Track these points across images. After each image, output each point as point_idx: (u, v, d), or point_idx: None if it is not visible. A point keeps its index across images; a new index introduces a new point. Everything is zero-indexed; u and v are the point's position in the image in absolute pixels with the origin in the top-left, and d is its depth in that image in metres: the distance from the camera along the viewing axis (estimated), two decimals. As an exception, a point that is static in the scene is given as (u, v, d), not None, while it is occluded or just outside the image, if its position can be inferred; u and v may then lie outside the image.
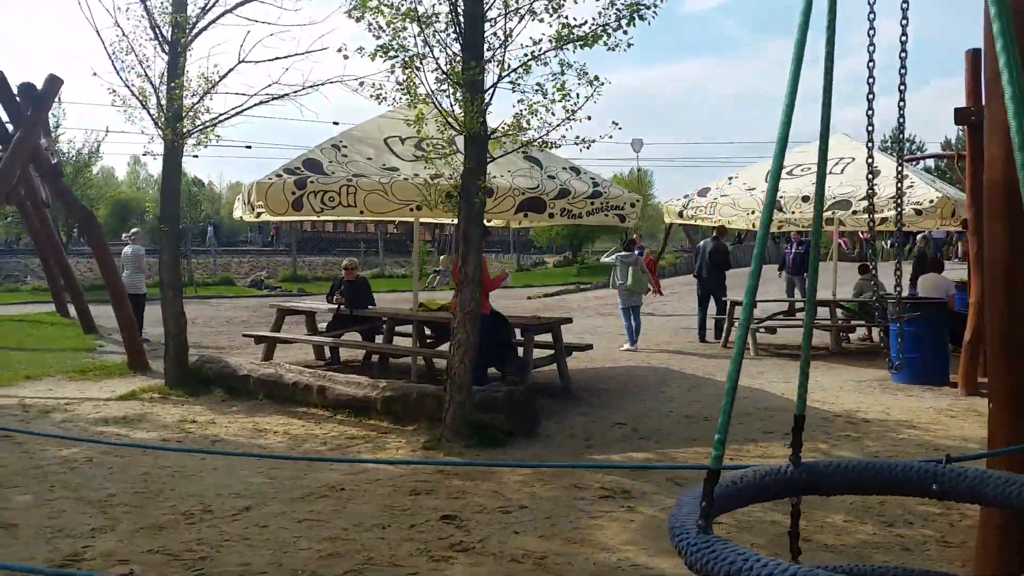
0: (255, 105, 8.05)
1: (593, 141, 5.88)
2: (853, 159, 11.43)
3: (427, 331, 9.68)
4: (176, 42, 8.15)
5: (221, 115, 8.17)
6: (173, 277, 8.37)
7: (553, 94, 5.85)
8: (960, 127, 8.43)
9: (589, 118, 5.90)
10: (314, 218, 7.96)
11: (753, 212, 11.29)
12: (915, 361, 9.01)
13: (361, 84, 6.08)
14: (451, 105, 6.08)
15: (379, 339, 10.00)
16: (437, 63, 5.98)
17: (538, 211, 7.66)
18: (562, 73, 5.90)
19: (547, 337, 8.62)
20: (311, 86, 7.87)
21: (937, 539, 4.19)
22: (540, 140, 6.04)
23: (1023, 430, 2.44)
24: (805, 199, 10.68)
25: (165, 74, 8.12)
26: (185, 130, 7.99)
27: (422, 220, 8.85)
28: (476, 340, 6.21)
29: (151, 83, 8.13)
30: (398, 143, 8.04)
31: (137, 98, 8.05)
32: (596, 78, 5.81)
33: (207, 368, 8.59)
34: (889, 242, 33.73)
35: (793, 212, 10.89)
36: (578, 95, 5.81)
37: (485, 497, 4.93)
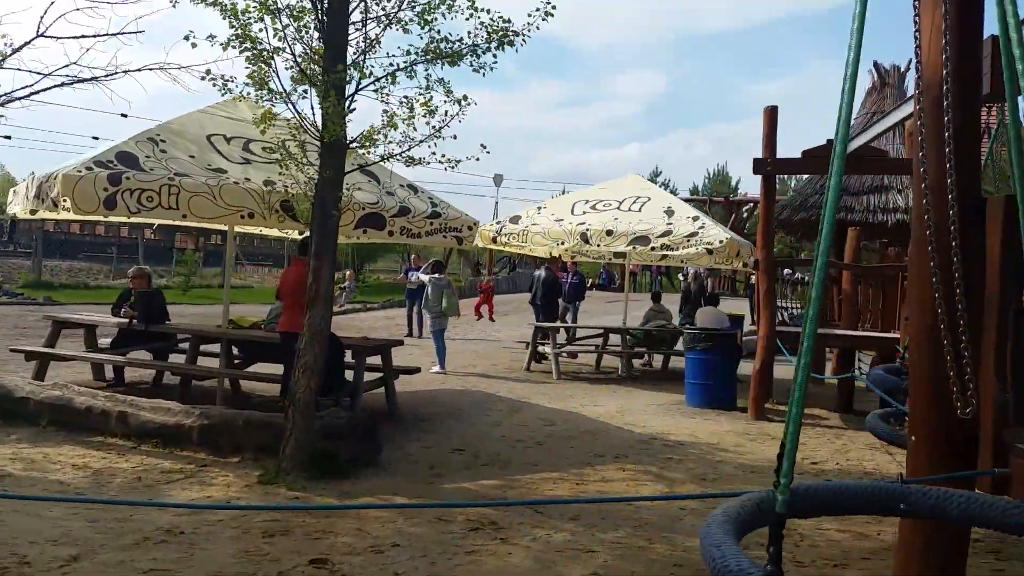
0: (56, 86, 7.05)
1: (459, 161, 5.82)
2: (649, 198, 12.31)
3: (234, 351, 8.96)
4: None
5: (8, 92, 7.05)
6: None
7: (418, 109, 5.69)
8: (757, 174, 9.39)
9: (455, 137, 5.81)
10: (127, 220, 7.11)
11: (562, 243, 11.74)
12: (708, 387, 9.82)
13: (208, 74, 5.54)
14: (309, 109, 5.73)
15: (173, 359, 9.11)
16: (296, 61, 5.61)
17: (378, 228, 7.40)
18: (428, 88, 5.77)
19: (373, 360, 8.33)
20: (129, 71, 7.02)
21: (790, 559, 4.55)
22: (404, 155, 5.83)
23: (943, 463, 2.72)
24: (609, 233, 11.30)
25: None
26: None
27: (183, 226, 8.20)
28: (322, 363, 5.85)
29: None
30: (223, 142, 7.41)
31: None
32: (465, 97, 5.74)
33: (-31, 390, 7.31)
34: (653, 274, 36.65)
35: (599, 244, 11.47)
36: (446, 112, 5.70)
37: (349, 536, 4.61)
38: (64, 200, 6.15)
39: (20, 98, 7.09)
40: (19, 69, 7.18)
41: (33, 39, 7.14)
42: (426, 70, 5.77)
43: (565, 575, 4.16)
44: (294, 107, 5.69)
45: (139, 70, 7.14)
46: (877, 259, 11.92)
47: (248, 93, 5.76)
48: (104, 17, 7.69)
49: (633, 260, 16.07)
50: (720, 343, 9.91)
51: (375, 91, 5.79)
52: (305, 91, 5.72)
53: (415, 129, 5.80)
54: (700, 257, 11.11)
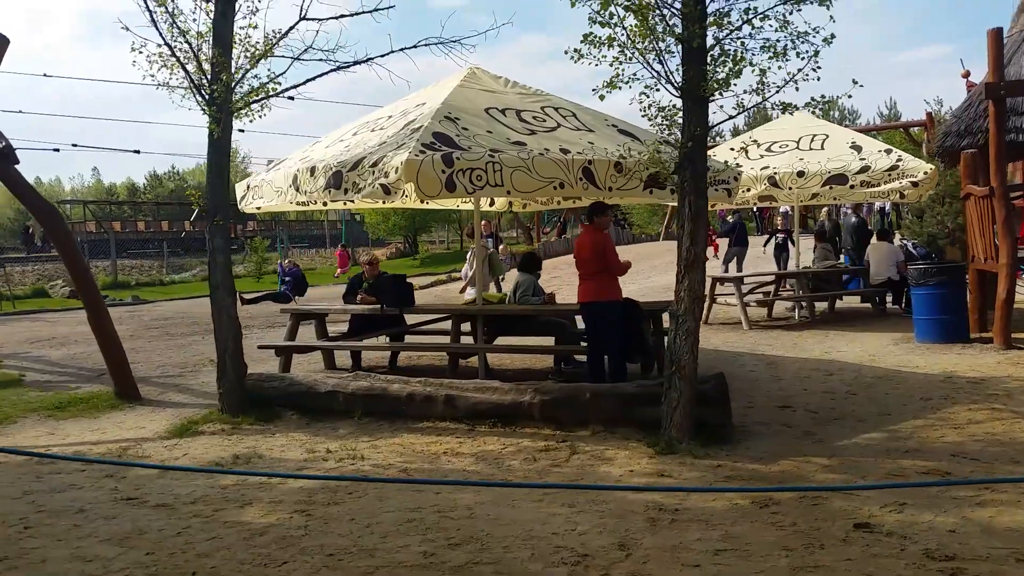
0: (331, 71, 6.80)
1: (829, 101, 5.52)
2: (827, 135, 11.94)
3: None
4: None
5: (270, 78, 6.77)
6: (227, 279, 6.86)
7: (786, 51, 5.40)
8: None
9: (819, 79, 5.51)
10: (453, 203, 6.90)
11: (749, 189, 11.27)
12: (943, 322, 9.58)
13: (586, 38, 5.24)
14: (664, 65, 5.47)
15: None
16: (662, 15, 5.33)
17: (661, 187, 7.13)
18: (781, 28, 5.47)
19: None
20: (404, 48, 6.74)
21: None
22: (769, 101, 5.54)
23: None
24: (800, 174, 10.97)
25: (211, 32, 6.62)
26: (247, 100, 6.57)
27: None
28: (698, 327, 5.65)
29: (187, 42, 6.59)
30: (499, 114, 7.14)
31: (179, 61, 6.51)
32: (832, 36, 5.43)
33: (267, 387, 7.17)
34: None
35: (790, 187, 11.15)
36: (816, 52, 5.39)
37: (837, 500, 4.45)
38: (406, 186, 5.92)
39: (295, 86, 6.86)
40: (284, 56, 6.92)
41: (296, 23, 6.89)
42: (791, 10, 5.45)
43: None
44: (658, 63, 5.42)
45: (414, 46, 6.89)
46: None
47: (603, 55, 5.45)
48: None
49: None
50: (952, 276, 9.65)
51: (735, 40, 5.50)
52: (663, 49, 5.44)
53: (763, 74, 5.52)
54: (905, 191, 10.81)
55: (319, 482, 5.07)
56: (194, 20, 6.55)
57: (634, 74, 5.52)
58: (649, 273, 21.95)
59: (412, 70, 7.42)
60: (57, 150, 26.48)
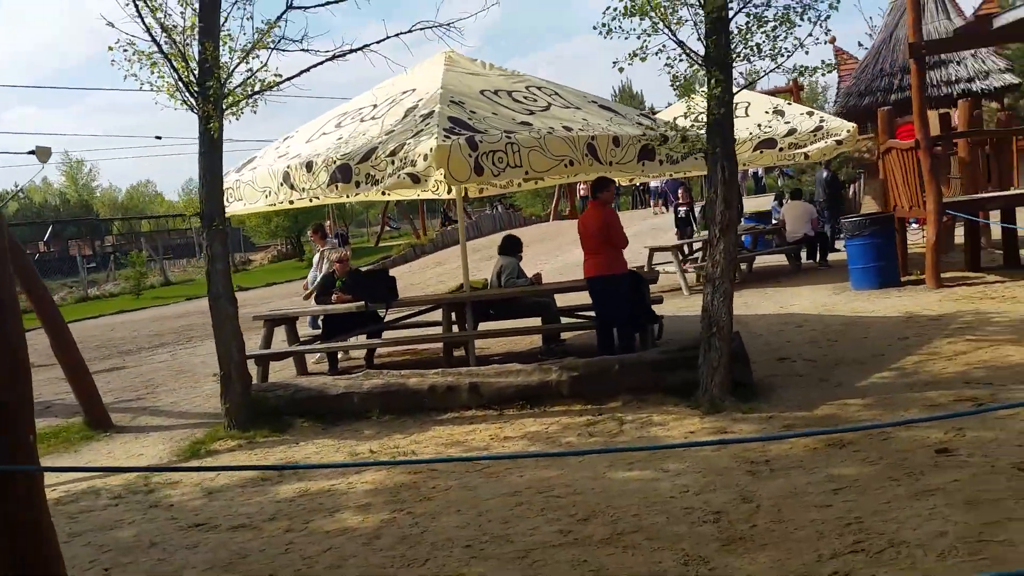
0: (327, 60, 6.54)
1: (836, 66, 5.85)
2: (748, 103, 12.53)
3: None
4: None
5: (260, 68, 6.46)
6: (228, 288, 6.51)
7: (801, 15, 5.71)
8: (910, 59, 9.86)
9: (827, 42, 5.84)
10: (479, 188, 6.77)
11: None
12: (878, 269, 10.35)
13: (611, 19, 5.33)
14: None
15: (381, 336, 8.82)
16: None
17: (651, 159, 7.34)
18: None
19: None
20: (400, 33, 6.55)
21: None
22: (782, 69, 5.85)
23: None
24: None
25: (196, 26, 6.22)
26: (245, 92, 6.25)
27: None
28: (732, 289, 5.89)
29: (172, 38, 6.18)
30: (494, 96, 7.11)
31: (164, 53, 6.11)
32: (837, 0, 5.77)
33: (272, 397, 6.88)
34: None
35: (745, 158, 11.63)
36: (826, 17, 5.74)
37: (901, 431, 4.80)
38: (438, 171, 5.83)
39: (291, 77, 6.56)
40: (266, 48, 6.59)
41: (284, 12, 6.61)
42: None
43: None
44: (678, 34, 5.60)
45: (410, 31, 6.74)
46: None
47: (633, 28, 5.60)
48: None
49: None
50: (883, 226, 10.43)
51: (756, 6, 5.76)
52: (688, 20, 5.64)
53: (777, 40, 5.81)
54: (830, 150, 11.51)
55: (395, 481, 4.96)
56: (181, 15, 6.14)
57: (661, 45, 5.69)
58: (556, 252, 22.36)
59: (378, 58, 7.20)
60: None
